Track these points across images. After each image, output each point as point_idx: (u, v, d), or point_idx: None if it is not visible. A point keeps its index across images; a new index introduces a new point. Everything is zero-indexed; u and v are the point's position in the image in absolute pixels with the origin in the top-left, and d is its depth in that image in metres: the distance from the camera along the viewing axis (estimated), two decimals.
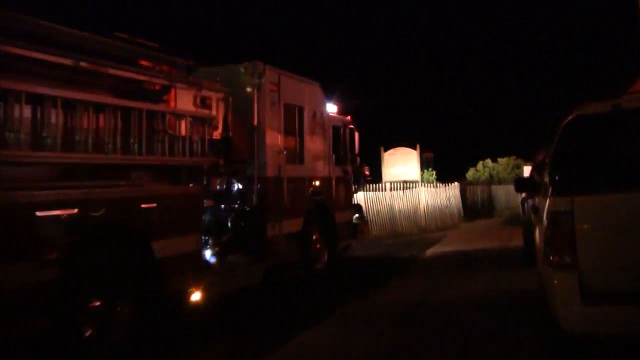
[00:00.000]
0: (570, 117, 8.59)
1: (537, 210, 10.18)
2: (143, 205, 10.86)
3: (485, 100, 74.13)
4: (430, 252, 23.22)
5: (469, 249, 23.45)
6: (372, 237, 28.04)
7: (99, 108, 10.46)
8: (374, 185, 34.64)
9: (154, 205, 11.04)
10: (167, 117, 11.77)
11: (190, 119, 12.47)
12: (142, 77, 11.48)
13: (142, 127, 11.13)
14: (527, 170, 35.30)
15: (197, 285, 12.04)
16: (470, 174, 47.84)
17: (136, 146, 11.09)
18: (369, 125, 53.30)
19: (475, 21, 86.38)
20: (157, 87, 11.99)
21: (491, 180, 45.18)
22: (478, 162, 48.40)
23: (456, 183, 37.76)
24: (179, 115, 12.14)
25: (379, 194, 31.30)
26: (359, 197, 28.55)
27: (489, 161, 47.89)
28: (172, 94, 12.47)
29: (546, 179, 9.06)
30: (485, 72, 77.84)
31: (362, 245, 23.61)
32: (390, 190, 33.87)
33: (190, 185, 12.35)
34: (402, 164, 36.80)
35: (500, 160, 47.82)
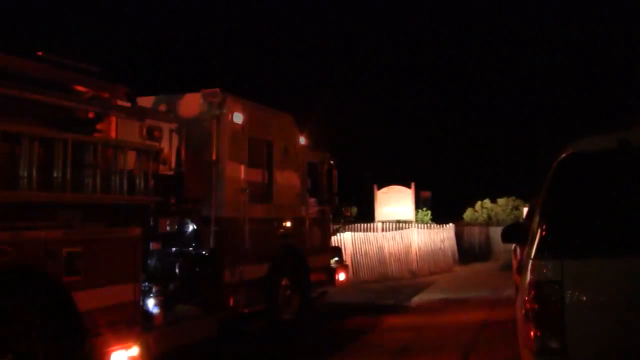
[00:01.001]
0: (563, 155, 6.99)
1: (521, 270, 8.25)
2: (65, 250, 9.41)
3: (485, 138, 72.83)
4: (416, 300, 21.69)
5: (459, 298, 21.96)
6: (358, 281, 26.64)
7: (13, 138, 9.04)
8: (366, 225, 33.35)
9: (79, 249, 9.60)
10: (100, 149, 10.30)
11: (132, 151, 11.05)
12: (67, 104, 10.04)
13: (67, 160, 9.67)
14: (526, 213, 33.88)
15: (133, 342, 10.54)
16: (468, 214, 46.52)
17: (61, 182, 9.64)
18: (362, 162, 52.19)
19: (475, 54, 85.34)
20: (90, 116, 10.58)
21: (489, 222, 43.83)
22: (476, 202, 47.01)
23: (451, 224, 36.32)
24: (116, 147, 10.70)
25: (369, 234, 29.78)
26: (346, 238, 27.16)
27: (487, 202, 46.57)
28: (113, 123, 11.09)
29: (534, 232, 7.24)
30: (486, 109, 76.67)
31: (345, 291, 22.08)
32: (382, 230, 32.49)
33: (128, 227, 10.86)
34: (395, 203, 35.36)
35: (499, 200, 46.50)
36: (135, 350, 10.53)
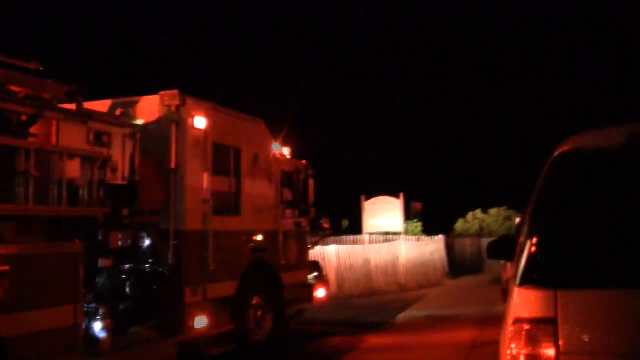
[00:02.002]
0: (558, 152, 5.72)
1: (506, 297, 6.62)
2: None
3: (477, 145, 71.68)
4: (402, 317, 20.53)
5: (447, 314, 20.74)
6: (343, 296, 25.49)
7: None
8: (353, 237, 32.29)
9: (6, 268, 8.45)
10: (34, 154, 9.15)
11: (75, 158, 9.95)
12: None
13: None
14: (517, 224, 32.77)
15: None
16: (459, 225, 45.38)
17: None
18: (349, 172, 51.09)
19: (466, 61, 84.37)
20: (23, 118, 9.42)
21: (481, 233, 42.68)
22: (468, 212, 45.88)
23: (441, 236, 35.19)
24: (53, 153, 9.54)
25: (355, 247, 28.62)
26: (330, 251, 26.01)
27: (479, 212, 45.41)
28: (54, 127, 9.96)
29: (521, 248, 5.75)
30: (478, 116, 75.49)
31: (327, 307, 20.89)
32: (370, 243, 31.39)
33: (68, 241, 9.69)
34: (384, 215, 34.30)
35: (490, 211, 45.33)
36: None
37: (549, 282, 5.14)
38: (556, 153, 5.76)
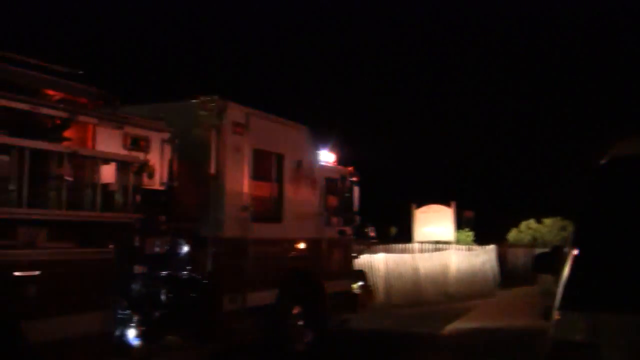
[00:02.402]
0: (602, 161, 5.39)
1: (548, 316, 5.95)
2: (16, 274, 8.15)
3: (531, 154, 70.69)
4: (450, 328, 20.08)
5: (496, 327, 20.28)
6: (390, 306, 25.14)
7: None
8: (403, 245, 31.93)
9: (36, 273, 8.35)
10: (67, 159, 9.03)
11: (110, 162, 9.82)
12: (22, 107, 8.74)
13: (23, 171, 8.42)
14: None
15: None
16: (512, 235, 44.66)
17: (16, 196, 8.40)
18: (400, 180, 50.70)
19: (520, 65, 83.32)
20: (57, 122, 9.32)
21: (534, 243, 41.94)
22: (521, 222, 45.14)
23: (492, 245, 34.61)
24: (87, 158, 9.44)
25: (403, 255, 28.22)
26: (378, 259, 25.68)
27: (532, 222, 44.65)
28: (90, 132, 9.86)
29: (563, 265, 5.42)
30: (532, 123, 74.45)
31: (374, 316, 20.63)
32: (420, 251, 30.97)
33: (101, 247, 9.57)
34: (435, 223, 33.86)
35: (545, 221, 44.53)
36: None
37: (591, 303, 4.86)
38: (603, 160, 5.44)
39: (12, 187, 8.39)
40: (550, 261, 7.12)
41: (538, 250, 38.02)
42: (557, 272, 6.64)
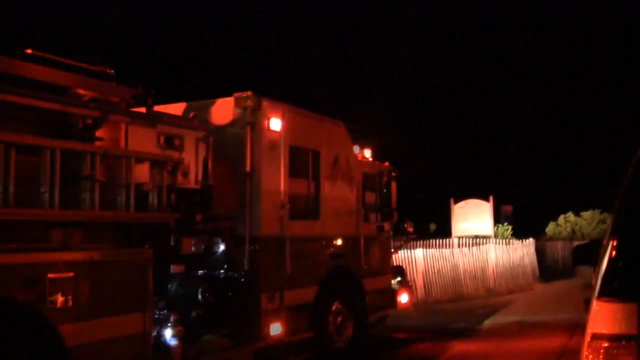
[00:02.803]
0: None
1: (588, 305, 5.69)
2: (50, 276, 8.03)
3: (570, 145, 69.87)
4: (489, 322, 19.84)
5: (535, 320, 19.97)
6: (430, 301, 24.96)
7: None
8: (441, 241, 31.73)
9: (70, 275, 8.23)
10: (99, 158, 8.90)
11: (144, 162, 9.69)
12: (53, 107, 8.63)
13: (54, 171, 8.30)
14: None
15: None
16: (550, 228, 44.27)
17: (47, 197, 8.28)
18: (438, 175, 50.34)
19: (556, 56, 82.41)
20: (88, 122, 9.20)
21: (573, 236, 41.52)
22: (559, 215, 44.70)
23: (531, 239, 34.27)
24: (120, 158, 9.31)
25: (442, 250, 27.98)
26: (417, 255, 25.49)
27: (571, 215, 44.19)
28: (122, 131, 9.74)
29: (602, 254, 5.28)
30: (570, 113, 73.60)
31: (413, 312, 20.39)
32: (459, 246, 30.72)
33: (137, 248, 9.44)
34: (473, 218, 33.50)
35: (583, 214, 44.09)
36: None
37: (632, 293, 4.61)
38: None
39: (43, 188, 8.25)
40: (589, 253, 7.05)
41: (576, 243, 37.67)
42: (596, 264, 6.46)
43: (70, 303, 8.22)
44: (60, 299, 8.11)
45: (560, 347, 15.30)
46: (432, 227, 41.16)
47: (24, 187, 8.04)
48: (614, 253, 4.85)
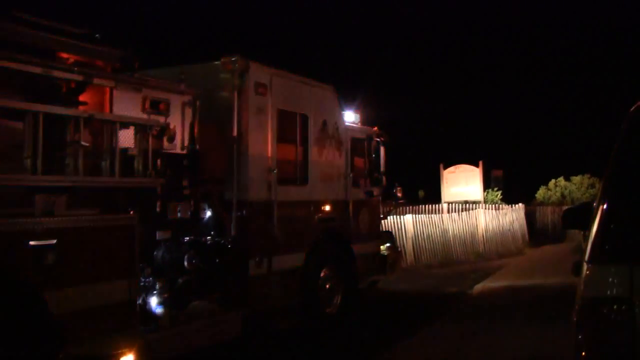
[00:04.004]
0: (636, 106, 5.17)
1: (578, 271, 5.45)
2: (33, 243, 7.90)
3: (559, 110, 69.83)
4: (479, 287, 19.80)
5: (525, 285, 19.99)
6: (421, 266, 24.97)
7: None
8: (431, 206, 31.74)
9: (52, 241, 8.08)
10: (83, 124, 8.75)
11: (129, 127, 9.55)
12: (32, 70, 8.44)
13: (37, 137, 8.15)
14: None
15: (127, 348, 9.03)
16: (541, 193, 44.22)
17: (30, 162, 8.14)
18: (427, 140, 50.30)
19: (544, 26, 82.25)
20: (72, 85, 9.03)
21: (563, 201, 41.51)
22: (550, 180, 44.63)
23: (521, 204, 34.28)
24: (105, 122, 9.16)
25: (432, 216, 27.94)
26: (407, 220, 25.46)
27: (561, 179, 44.14)
28: (107, 95, 9.58)
29: (593, 217, 5.14)
30: (558, 76, 73.54)
31: (403, 277, 20.40)
32: (448, 212, 30.72)
33: (122, 213, 9.30)
34: (463, 183, 33.66)
35: (573, 178, 44.02)
36: (130, 359, 9.04)
37: (623, 255, 4.55)
38: (634, 107, 5.14)
39: (26, 153, 8.11)
40: (580, 216, 6.89)
41: (566, 208, 37.64)
42: (587, 227, 6.34)
43: (54, 270, 8.09)
44: (45, 265, 7.98)
45: (555, 299, 15.20)
46: (421, 193, 41.12)
47: (6, 152, 7.91)
48: (605, 217, 4.75)
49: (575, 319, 4.62)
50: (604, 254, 4.67)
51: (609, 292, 4.42)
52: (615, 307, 4.37)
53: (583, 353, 4.44)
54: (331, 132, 14.42)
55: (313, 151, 13.74)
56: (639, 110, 5.15)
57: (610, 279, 4.48)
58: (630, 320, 4.31)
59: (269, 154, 12.35)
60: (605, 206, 4.81)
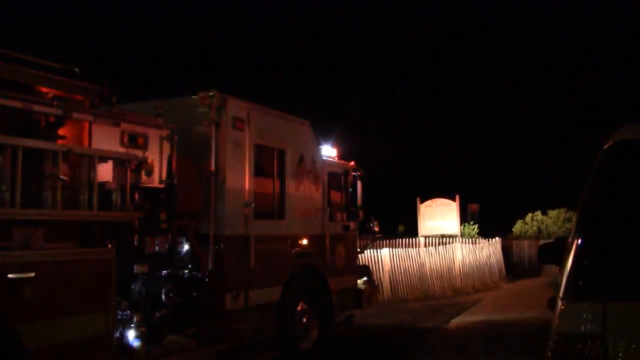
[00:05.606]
0: (609, 144, 5.19)
1: (553, 306, 5.56)
2: (11, 276, 7.93)
3: (535, 146, 70.38)
4: (455, 322, 19.86)
5: (501, 319, 20.03)
6: (397, 300, 25.02)
7: None
8: (408, 240, 31.83)
9: (30, 275, 8.12)
10: (62, 157, 8.81)
11: (107, 160, 9.61)
12: (14, 104, 8.51)
13: (16, 170, 8.21)
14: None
15: None
16: (518, 227, 44.36)
17: (8, 195, 8.18)
18: (405, 174, 50.51)
19: (521, 60, 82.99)
20: (51, 119, 9.09)
21: (539, 235, 41.69)
22: (527, 214, 44.83)
23: (497, 238, 34.43)
24: (83, 156, 9.22)
25: (409, 250, 28.02)
26: (383, 254, 25.52)
27: (538, 213, 44.33)
28: (86, 129, 9.65)
29: (567, 251, 5.17)
30: (536, 115, 74.15)
31: (380, 311, 20.44)
32: (425, 245, 30.81)
33: (99, 247, 9.35)
34: (440, 217, 33.70)
35: (550, 212, 44.22)
36: None
37: (597, 292, 4.61)
38: (607, 145, 5.22)
39: (5, 187, 8.15)
40: (554, 252, 6.91)
41: (542, 242, 37.81)
42: (561, 262, 6.42)
43: (30, 303, 8.11)
44: (21, 298, 8.00)
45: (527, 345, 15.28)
46: (401, 228, 41.23)
47: None
48: (579, 253, 4.82)
49: (549, 355, 4.69)
50: (578, 290, 4.72)
51: (582, 329, 4.49)
52: (589, 343, 4.43)
53: None
54: (308, 166, 14.51)
55: (290, 185, 13.82)
56: (610, 148, 5.22)
57: (584, 315, 4.54)
58: (603, 357, 4.37)
59: (246, 189, 12.42)
60: (578, 242, 4.87)
